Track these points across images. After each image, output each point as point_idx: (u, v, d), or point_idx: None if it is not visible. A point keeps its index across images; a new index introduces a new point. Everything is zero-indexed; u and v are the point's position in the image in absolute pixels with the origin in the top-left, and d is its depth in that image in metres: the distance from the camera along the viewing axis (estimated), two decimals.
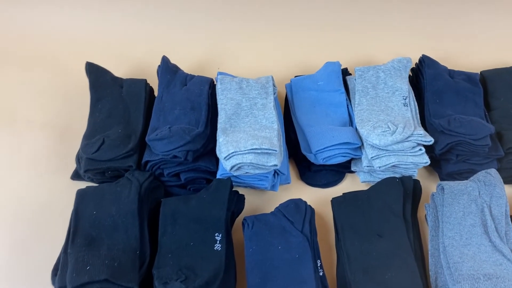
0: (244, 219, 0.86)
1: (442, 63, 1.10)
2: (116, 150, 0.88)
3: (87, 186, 0.86)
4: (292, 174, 1.01)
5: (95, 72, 1.01)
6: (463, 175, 0.95)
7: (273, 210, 0.88)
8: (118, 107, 0.97)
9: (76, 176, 0.95)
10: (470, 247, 0.81)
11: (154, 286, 0.74)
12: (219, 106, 0.94)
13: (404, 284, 0.78)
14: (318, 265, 0.82)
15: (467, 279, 0.76)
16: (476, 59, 1.19)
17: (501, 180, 0.88)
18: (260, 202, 0.96)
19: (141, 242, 0.79)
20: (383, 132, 0.92)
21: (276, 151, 0.85)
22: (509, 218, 0.85)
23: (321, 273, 0.81)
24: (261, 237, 0.83)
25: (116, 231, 0.79)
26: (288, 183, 0.98)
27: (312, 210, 0.88)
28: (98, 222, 0.80)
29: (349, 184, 0.99)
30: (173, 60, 1.07)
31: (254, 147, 0.85)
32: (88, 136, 0.92)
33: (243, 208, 0.92)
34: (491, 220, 0.83)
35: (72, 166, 0.96)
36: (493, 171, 0.89)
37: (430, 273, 0.83)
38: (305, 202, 0.88)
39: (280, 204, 0.88)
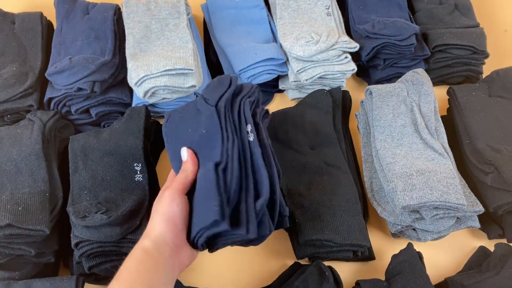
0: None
1: None
2: (11, 89, 0.78)
3: None
4: None
5: None
6: (392, 80, 0.92)
7: None
8: (11, 45, 0.86)
9: None
10: (402, 147, 0.79)
11: (71, 222, 0.67)
12: (126, 31, 0.85)
13: (341, 194, 0.75)
14: (249, 130, 0.65)
15: (400, 177, 0.74)
16: None
17: (429, 78, 0.86)
18: None
19: (50, 184, 0.71)
20: (306, 42, 0.87)
21: (192, 70, 0.78)
22: (438, 114, 0.83)
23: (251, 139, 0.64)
24: (174, 129, 0.70)
25: (20, 175, 0.70)
26: None
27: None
28: None
29: (279, 104, 0.94)
30: None
31: (167, 68, 0.77)
32: None
33: None
34: (420, 118, 0.81)
35: None
36: (420, 70, 0.87)
37: (364, 179, 0.81)
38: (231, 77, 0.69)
39: None
